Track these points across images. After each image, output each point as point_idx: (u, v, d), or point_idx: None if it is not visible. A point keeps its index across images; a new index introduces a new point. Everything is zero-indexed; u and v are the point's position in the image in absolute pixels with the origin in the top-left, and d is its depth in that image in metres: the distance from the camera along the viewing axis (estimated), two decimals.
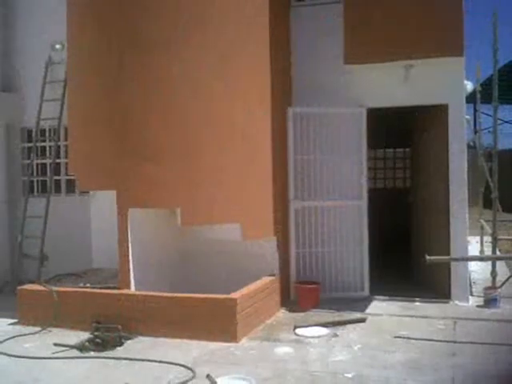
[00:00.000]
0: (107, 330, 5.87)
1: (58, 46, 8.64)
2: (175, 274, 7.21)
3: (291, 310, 7.10)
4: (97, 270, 7.74)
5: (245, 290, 6.23)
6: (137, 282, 6.45)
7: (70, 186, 8.88)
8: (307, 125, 7.65)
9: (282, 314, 7.02)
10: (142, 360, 5.30)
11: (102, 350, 5.60)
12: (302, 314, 6.92)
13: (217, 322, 5.87)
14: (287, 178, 7.61)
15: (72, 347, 5.66)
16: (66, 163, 8.08)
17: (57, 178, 8.97)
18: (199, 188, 6.37)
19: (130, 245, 6.42)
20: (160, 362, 5.23)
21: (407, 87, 7.40)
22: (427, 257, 6.03)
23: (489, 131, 15.16)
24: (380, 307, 7.18)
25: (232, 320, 5.84)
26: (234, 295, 5.97)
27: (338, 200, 7.69)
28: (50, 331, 6.25)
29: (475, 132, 12.98)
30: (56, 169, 8.81)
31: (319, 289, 7.37)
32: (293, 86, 7.87)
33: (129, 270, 6.41)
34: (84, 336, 5.86)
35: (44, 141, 9.12)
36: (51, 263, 8.08)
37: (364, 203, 7.71)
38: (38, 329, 6.27)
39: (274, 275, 7.09)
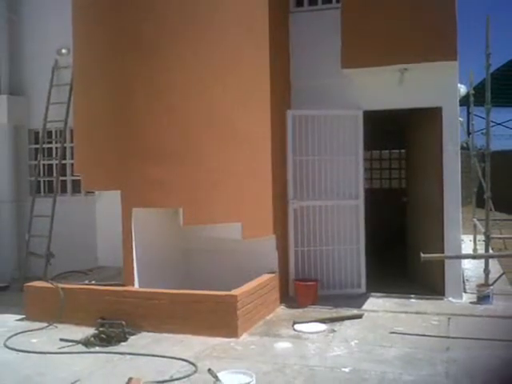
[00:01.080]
0: (112, 326, 5.86)
1: (64, 51, 8.65)
2: (178, 271, 7.22)
3: (290, 307, 7.10)
4: (102, 268, 7.74)
5: (245, 287, 6.23)
6: (140, 279, 6.45)
7: (76, 187, 8.88)
8: (306, 127, 7.65)
9: (282, 310, 7.02)
10: (146, 355, 5.30)
11: (107, 346, 5.60)
12: (300, 311, 6.93)
13: (218, 318, 5.86)
14: (286, 179, 7.61)
15: (77, 342, 5.66)
16: (72, 164, 8.09)
17: (63, 178, 8.97)
18: (201, 189, 6.38)
19: (133, 243, 6.41)
20: (163, 356, 5.23)
21: (402, 90, 7.40)
22: (422, 255, 6.03)
23: (482, 133, 15.16)
24: (376, 304, 7.18)
25: (233, 316, 5.83)
26: (234, 292, 5.97)
27: (336, 200, 7.69)
28: (56, 327, 6.24)
29: (468, 134, 12.99)
30: (62, 169, 8.82)
31: (317, 286, 7.37)
32: (292, 89, 7.87)
33: (133, 268, 6.41)
34: (89, 332, 5.86)
35: (50, 142, 9.13)
36: (57, 261, 8.08)
37: (361, 203, 7.71)
38: (44, 324, 6.26)
39: (273, 273, 7.09)
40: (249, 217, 6.64)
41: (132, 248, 6.40)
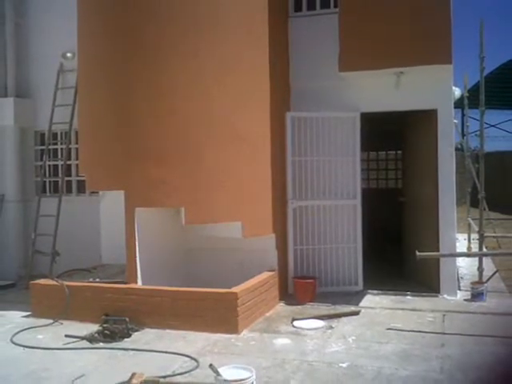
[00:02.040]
0: (115, 323, 5.87)
1: (69, 55, 8.64)
2: (180, 269, 7.21)
3: (289, 304, 7.10)
4: (105, 266, 7.74)
5: (245, 285, 6.23)
6: (144, 276, 6.45)
7: (81, 187, 8.88)
8: (304, 128, 7.65)
9: (281, 307, 7.02)
10: (149, 351, 5.30)
11: (111, 342, 5.60)
12: (299, 307, 6.93)
13: (219, 315, 5.87)
14: (286, 179, 7.61)
15: (82, 338, 5.66)
16: (77, 165, 8.08)
17: (68, 178, 8.97)
18: (202, 189, 6.38)
19: (136, 242, 6.42)
20: (166, 352, 5.23)
21: (398, 93, 7.40)
22: (418, 253, 6.03)
23: (476, 134, 15.18)
24: (373, 301, 7.18)
25: (233, 313, 5.84)
26: (235, 289, 5.97)
27: (334, 200, 7.70)
28: (62, 323, 6.24)
29: (463, 135, 12.98)
30: (67, 170, 8.82)
31: (316, 283, 7.37)
32: (291, 91, 7.87)
33: (136, 266, 6.41)
34: (93, 328, 5.87)
35: (56, 143, 9.13)
36: (62, 259, 8.09)
37: (358, 202, 7.71)
38: (49, 321, 6.26)
39: (273, 270, 7.09)
40: (249, 216, 6.64)
41: (135, 246, 6.41)
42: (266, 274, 6.88)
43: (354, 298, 7.28)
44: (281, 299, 7.22)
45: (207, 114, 6.41)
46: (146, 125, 6.37)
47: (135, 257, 6.41)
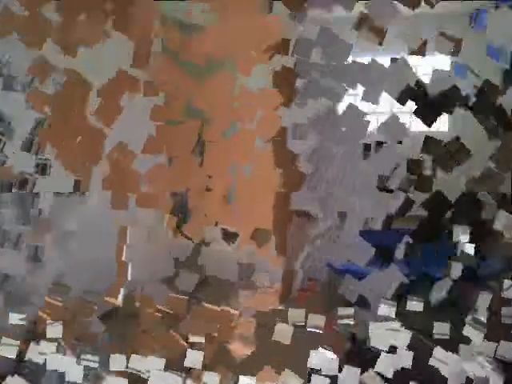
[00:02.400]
0: None
1: None
2: (174, 279, 6.82)
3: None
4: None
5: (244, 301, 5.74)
6: (134, 280, 6.04)
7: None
8: (307, 136, 7.26)
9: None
10: None
11: None
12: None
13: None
14: (286, 182, 7.22)
15: None
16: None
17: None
18: (193, 195, 6.00)
19: (126, 246, 6.04)
20: None
21: None
22: None
23: None
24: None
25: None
26: (231, 310, 5.44)
27: (337, 206, 7.29)
28: None
29: None
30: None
31: (322, 297, 6.91)
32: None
33: (126, 270, 6.00)
34: None
35: None
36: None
37: (363, 210, 7.25)
38: None
39: (274, 283, 6.64)
40: (248, 224, 6.24)
41: (123, 249, 6.03)
42: (266, 282, 6.41)
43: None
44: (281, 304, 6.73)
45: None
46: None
47: (124, 260, 6.01)
